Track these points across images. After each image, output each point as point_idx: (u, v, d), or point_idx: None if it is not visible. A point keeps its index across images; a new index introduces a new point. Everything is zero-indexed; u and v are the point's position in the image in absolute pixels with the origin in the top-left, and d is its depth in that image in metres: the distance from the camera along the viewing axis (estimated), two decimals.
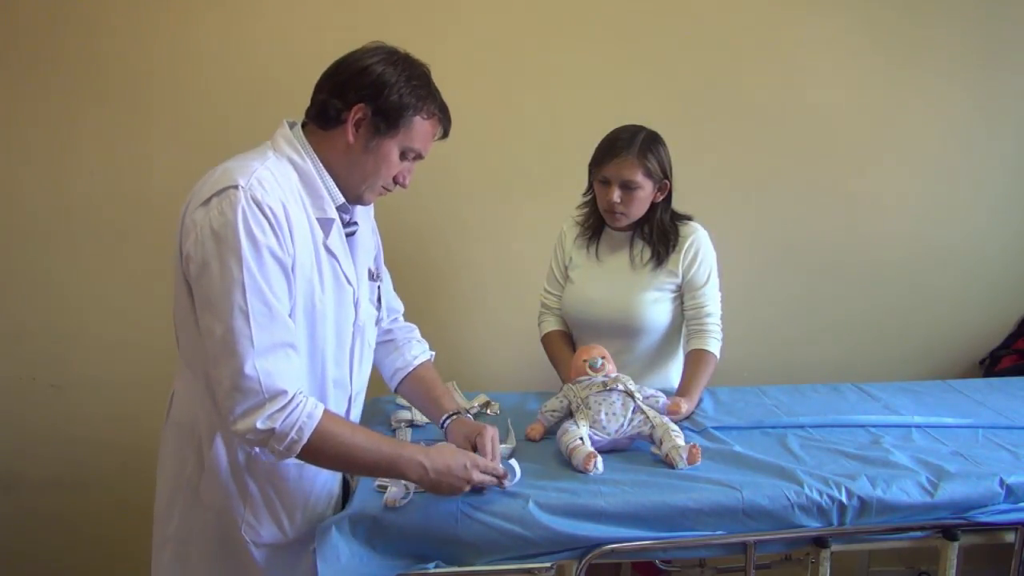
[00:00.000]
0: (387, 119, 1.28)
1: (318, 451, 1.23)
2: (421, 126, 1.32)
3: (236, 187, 1.18)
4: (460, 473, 1.30)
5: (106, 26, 2.15)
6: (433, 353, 1.66)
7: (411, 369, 1.61)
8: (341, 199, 1.34)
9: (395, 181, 1.36)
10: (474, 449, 1.41)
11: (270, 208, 1.19)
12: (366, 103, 1.27)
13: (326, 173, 1.32)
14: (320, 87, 1.32)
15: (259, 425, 1.17)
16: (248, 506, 1.34)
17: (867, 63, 2.35)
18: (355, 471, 1.38)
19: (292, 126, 1.34)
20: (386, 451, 1.28)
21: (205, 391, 1.29)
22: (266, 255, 1.18)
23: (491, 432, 1.42)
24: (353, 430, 1.28)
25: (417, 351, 1.63)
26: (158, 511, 1.41)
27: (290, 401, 1.19)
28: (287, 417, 1.18)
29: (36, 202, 2.23)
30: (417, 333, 1.67)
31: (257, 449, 1.30)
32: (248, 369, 1.16)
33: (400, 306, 1.66)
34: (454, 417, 1.52)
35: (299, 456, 1.22)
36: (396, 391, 1.65)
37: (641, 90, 2.31)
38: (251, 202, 1.18)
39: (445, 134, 1.38)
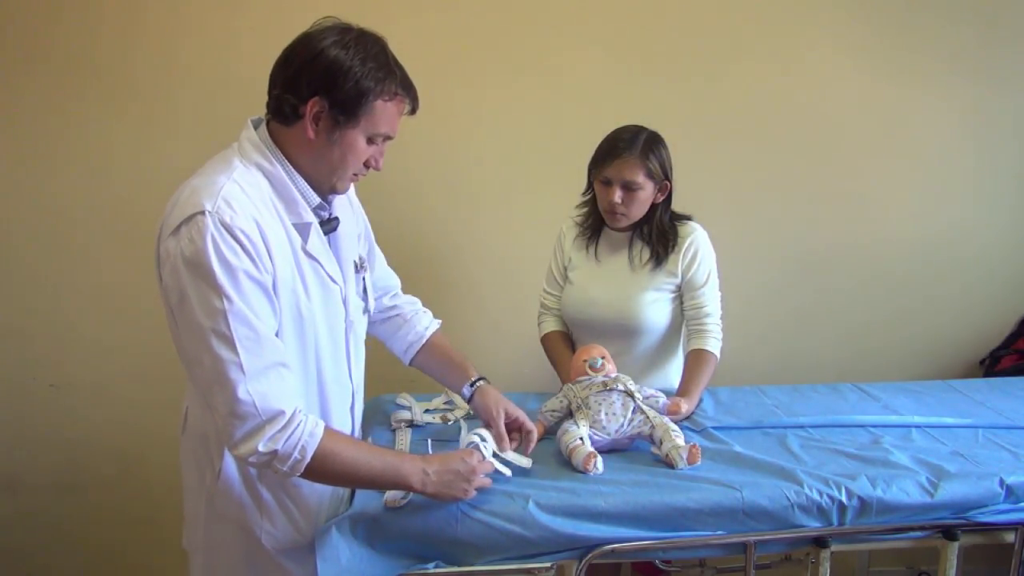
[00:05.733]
0: (345, 110, 1.21)
1: (321, 469, 1.22)
2: (384, 109, 1.25)
3: (203, 212, 1.14)
4: (462, 468, 1.30)
5: (103, 25, 2.14)
6: (440, 321, 1.68)
7: (424, 340, 1.62)
8: (316, 200, 1.31)
9: (366, 165, 1.31)
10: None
11: (241, 230, 1.15)
12: (321, 96, 1.20)
13: (297, 175, 1.27)
14: (273, 80, 1.25)
15: (261, 448, 1.16)
16: (265, 515, 1.33)
17: (869, 64, 2.35)
18: (359, 486, 1.38)
19: (257, 124, 1.29)
20: (389, 462, 1.28)
21: (206, 406, 1.29)
22: (243, 279, 1.16)
23: (522, 417, 1.52)
24: (356, 446, 1.29)
25: (427, 322, 1.65)
26: (186, 517, 1.42)
27: (290, 421, 1.18)
28: (289, 438, 1.17)
29: (35, 202, 2.22)
30: (420, 304, 1.68)
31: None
32: (242, 394, 1.15)
33: (397, 281, 1.66)
34: (479, 384, 1.56)
35: (303, 475, 1.21)
36: (411, 363, 1.65)
37: (641, 90, 2.30)
38: (220, 227, 1.14)
39: (413, 110, 1.31)
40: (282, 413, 1.17)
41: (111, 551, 2.43)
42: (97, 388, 2.33)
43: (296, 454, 1.18)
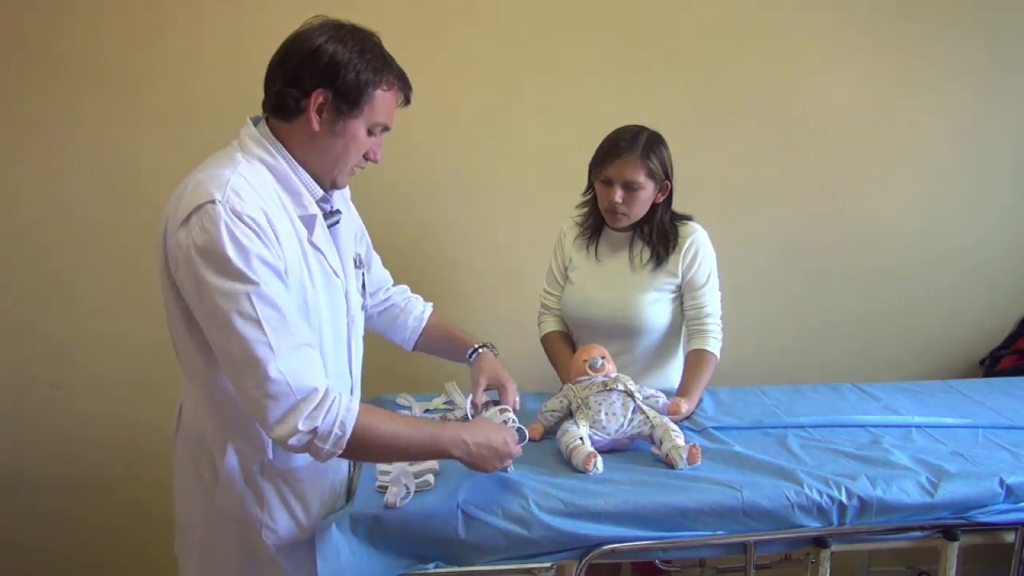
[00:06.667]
0: (348, 99, 1.24)
1: (361, 444, 1.22)
2: (383, 99, 1.28)
3: (213, 202, 1.14)
4: (501, 447, 1.32)
5: (105, 25, 2.14)
6: (432, 303, 1.73)
7: (424, 324, 1.68)
8: (320, 192, 1.32)
9: (366, 158, 1.33)
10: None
11: (251, 218, 1.16)
12: (324, 87, 1.22)
13: (300, 168, 1.29)
14: (272, 77, 1.26)
15: (301, 427, 1.15)
16: (265, 510, 1.33)
17: (869, 64, 2.35)
18: (398, 458, 1.37)
19: (256, 122, 1.30)
20: (427, 432, 1.28)
21: (211, 403, 1.29)
22: (259, 263, 1.16)
23: (513, 387, 1.56)
24: (392, 418, 1.28)
25: (421, 306, 1.71)
26: (179, 521, 1.41)
27: (324, 397, 1.18)
28: (327, 414, 1.17)
29: (36, 201, 2.22)
30: (409, 290, 1.72)
31: (270, 456, 1.31)
32: (273, 373, 1.14)
33: (389, 276, 1.70)
34: (481, 350, 1.63)
35: (343, 453, 1.21)
36: (415, 349, 1.70)
37: (642, 90, 2.31)
38: (231, 214, 1.14)
39: (407, 100, 1.35)
40: (315, 390, 1.17)
41: (113, 549, 2.43)
42: (97, 387, 2.33)
43: (336, 430, 1.18)
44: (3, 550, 2.41)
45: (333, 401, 1.18)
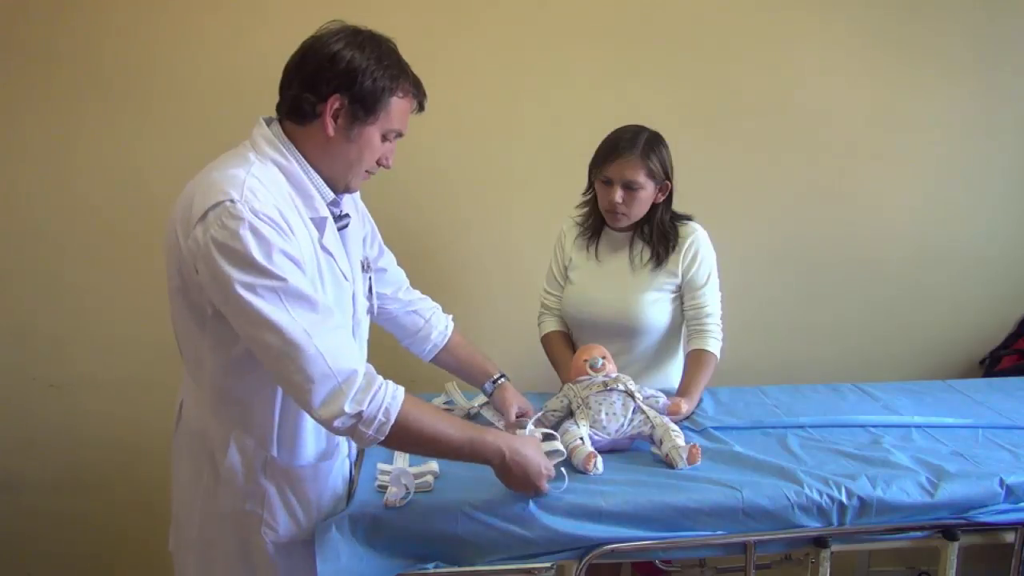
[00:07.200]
0: (365, 106, 1.25)
1: (403, 434, 1.22)
2: (399, 106, 1.29)
3: (231, 200, 1.15)
4: (534, 473, 1.31)
5: (108, 25, 2.14)
6: (452, 315, 1.74)
7: (447, 340, 1.70)
8: (331, 195, 1.33)
9: (378, 163, 1.34)
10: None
11: (267, 215, 1.17)
12: (341, 93, 1.23)
13: (312, 170, 1.29)
14: (288, 81, 1.28)
15: (347, 409, 1.16)
16: (266, 508, 1.33)
17: (867, 63, 2.35)
18: (435, 454, 1.37)
19: (270, 123, 1.30)
20: (469, 436, 1.29)
21: (216, 400, 1.29)
22: (280, 257, 1.17)
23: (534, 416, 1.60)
24: (436, 413, 1.29)
25: (445, 321, 1.72)
26: (176, 517, 1.41)
27: (370, 381, 1.19)
28: (372, 399, 1.18)
29: (36, 201, 2.22)
30: (431, 301, 1.73)
31: (275, 454, 1.31)
32: (312, 352, 1.15)
33: (405, 276, 1.70)
34: (501, 381, 1.69)
35: (384, 441, 1.22)
36: (432, 361, 1.71)
37: (641, 90, 2.30)
38: (250, 212, 1.15)
39: (421, 107, 1.36)
40: (355, 372, 1.18)
41: (113, 548, 2.43)
42: (97, 387, 2.33)
43: (380, 416, 1.19)
44: (3, 549, 2.41)
45: (380, 387, 1.20)
